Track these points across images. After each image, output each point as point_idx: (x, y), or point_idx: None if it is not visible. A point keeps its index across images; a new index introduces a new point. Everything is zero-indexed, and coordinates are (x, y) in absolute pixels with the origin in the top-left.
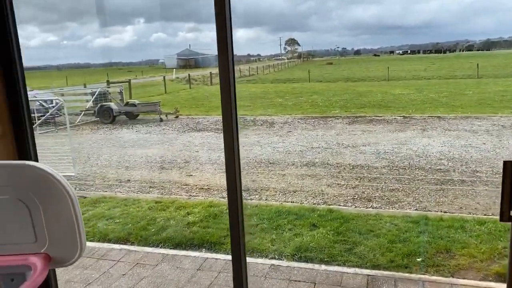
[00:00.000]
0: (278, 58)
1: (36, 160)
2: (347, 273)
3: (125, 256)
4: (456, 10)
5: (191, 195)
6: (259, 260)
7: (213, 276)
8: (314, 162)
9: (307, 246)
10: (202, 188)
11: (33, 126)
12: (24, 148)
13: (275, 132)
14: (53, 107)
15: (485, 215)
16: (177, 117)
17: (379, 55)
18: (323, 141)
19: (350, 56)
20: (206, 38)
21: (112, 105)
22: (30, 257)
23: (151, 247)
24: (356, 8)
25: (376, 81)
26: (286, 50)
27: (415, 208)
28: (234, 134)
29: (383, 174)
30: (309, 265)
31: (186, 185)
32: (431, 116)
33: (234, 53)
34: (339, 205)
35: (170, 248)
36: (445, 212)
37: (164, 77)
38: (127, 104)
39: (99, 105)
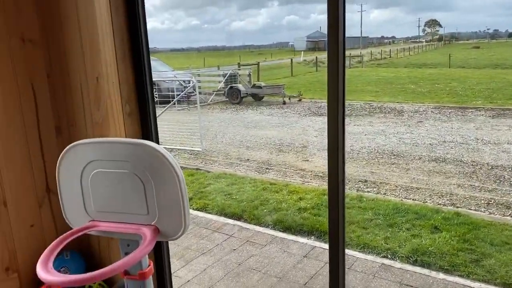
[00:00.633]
0: (415, 40)
1: (157, 136)
2: (470, 287)
3: (237, 232)
4: None
5: (305, 180)
6: (369, 257)
7: (319, 265)
8: (445, 158)
9: (425, 250)
10: (317, 175)
11: (172, 103)
12: (147, 125)
13: (404, 121)
14: (189, 86)
15: None
16: (300, 100)
17: None
18: (458, 135)
19: (503, 39)
20: None
21: (240, 86)
22: (142, 228)
23: (262, 227)
24: None
25: None
26: (425, 32)
27: None
28: (340, 121)
29: None
30: (425, 271)
31: (301, 170)
32: None
33: (366, 35)
34: (469, 209)
35: (280, 231)
36: None
37: (291, 59)
38: (253, 86)
39: (229, 86)
